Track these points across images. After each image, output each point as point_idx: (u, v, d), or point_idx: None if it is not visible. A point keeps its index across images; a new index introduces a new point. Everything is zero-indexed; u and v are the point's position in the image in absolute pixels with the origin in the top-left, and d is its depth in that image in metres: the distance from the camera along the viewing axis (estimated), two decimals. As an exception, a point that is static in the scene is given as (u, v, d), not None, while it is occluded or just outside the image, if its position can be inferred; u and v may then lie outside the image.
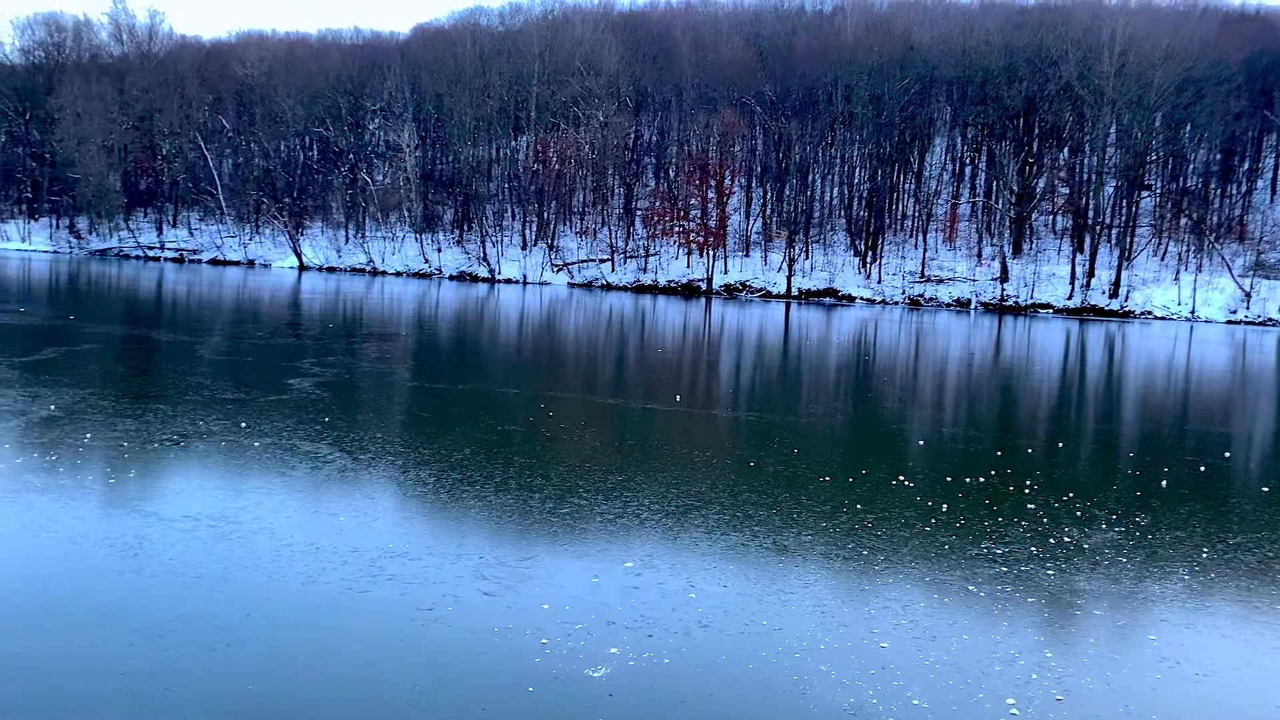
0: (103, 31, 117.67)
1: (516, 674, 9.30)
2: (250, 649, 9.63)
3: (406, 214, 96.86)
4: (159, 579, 11.29)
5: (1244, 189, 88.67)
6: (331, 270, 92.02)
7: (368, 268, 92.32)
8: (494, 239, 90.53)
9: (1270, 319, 70.75)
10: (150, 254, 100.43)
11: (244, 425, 19.65)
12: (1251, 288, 72.90)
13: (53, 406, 20.62)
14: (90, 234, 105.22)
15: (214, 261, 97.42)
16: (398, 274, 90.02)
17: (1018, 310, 74.68)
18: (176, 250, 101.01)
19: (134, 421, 19.60)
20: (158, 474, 15.96)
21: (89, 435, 18.18)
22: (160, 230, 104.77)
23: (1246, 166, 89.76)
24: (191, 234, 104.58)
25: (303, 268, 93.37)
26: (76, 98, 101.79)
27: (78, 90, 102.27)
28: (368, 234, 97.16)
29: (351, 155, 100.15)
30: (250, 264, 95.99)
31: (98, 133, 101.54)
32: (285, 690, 8.91)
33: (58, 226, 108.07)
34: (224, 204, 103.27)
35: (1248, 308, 72.06)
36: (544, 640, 10.02)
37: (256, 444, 18.09)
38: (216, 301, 55.51)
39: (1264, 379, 40.34)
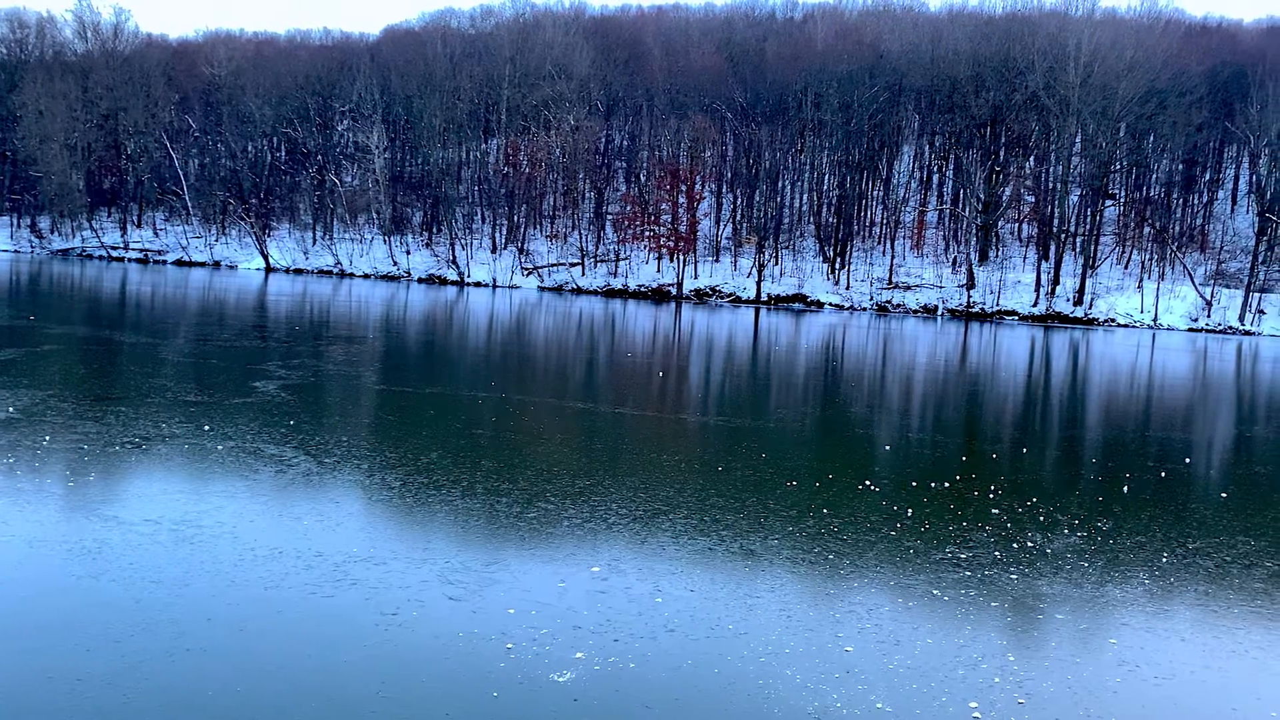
0: (67, 29, 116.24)
1: (481, 679, 9.25)
2: (211, 655, 9.51)
3: (375, 216, 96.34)
4: (118, 583, 11.13)
5: (1205, 199, 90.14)
6: (299, 272, 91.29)
7: (335, 270, 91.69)
8: (463, 242, 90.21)
9: (1230, 327, 71.90)
10: (114, 254, 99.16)
11: (207, 428, 19.43)
12: (1212, 296, 74.09)
13: (11, 409, 20.29)
14: (52, 233, 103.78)
15: (179, 262, 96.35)
16: (366, 276, 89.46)
17: (984, 317, 75.39)
18: (141, 251, 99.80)
19: (94, 424, 19.33)
20: (118, 477, 15.74)
21: (48, 438, 17.90)
22: (124, 230, 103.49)
23: (1208, 177, 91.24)
24: (156, 234, 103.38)
25: (269, 269, 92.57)
26: (39, 95, 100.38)
27: (41, 88, 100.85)
28: (335, 236, 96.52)
29: (320, 156, 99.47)
30: (216, 265, 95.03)
31: (61, 131, 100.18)
32: (247, 696, 8.80)
33: (19, 226, 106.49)
34: (190, 204, 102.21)
35: (1209, 316, 73.19)
36: (509, 645, 9.98)
37: (220, 447, 17.89)
38: (181, 303, 54.89)
39: (1224, 386, 40.97)
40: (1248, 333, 71.23)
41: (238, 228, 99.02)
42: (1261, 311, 72.93)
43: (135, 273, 79.73)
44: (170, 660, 9.33)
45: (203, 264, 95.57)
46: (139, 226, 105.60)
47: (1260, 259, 74.39)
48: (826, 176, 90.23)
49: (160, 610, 10.44)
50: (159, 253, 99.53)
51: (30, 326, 36.88)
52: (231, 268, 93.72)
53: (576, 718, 8.64)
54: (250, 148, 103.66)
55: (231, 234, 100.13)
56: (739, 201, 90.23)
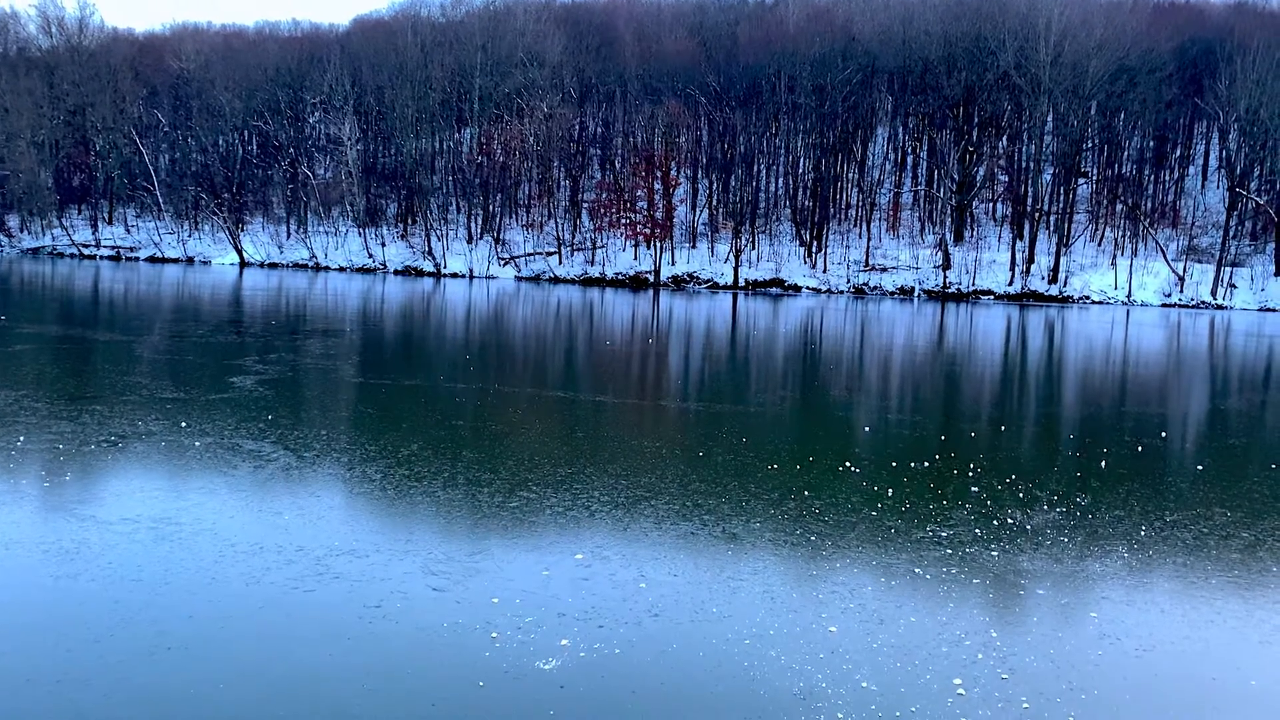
0: (30, 24, 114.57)
1: (467, 669, 9.23)
2: (193, 652, 9.44)
3: (349, 208, 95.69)
4: (97, 583, 11.03)
5: (1176, 175, 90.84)
6: (273, 266, 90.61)
7: (310, 263, 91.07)
8: (439, 233, 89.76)
9: (1203, 301, 72.56)
10: (85, 252, 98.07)
11: (184, 425, 19.27)
12: (1184, 271, 74.72)
13: (-16, 409, 20.04)
14: (22, 232, 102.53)
15: (152, 259, 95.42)
16: (341, 269, 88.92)
17: (960, 297, 75.75)
18: (113, 248, 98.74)
19: (70, 423, 19.13)
20: (95, 476, 15.59)
21: (22, 438, 17.71)
22: (95, 227, 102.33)
23: (1178, 153, 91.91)
24: (128, 231, 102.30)
25: (244, 264, 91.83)
26: (4, 92, 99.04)
27: (5, 84, 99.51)
28: (310, 229, 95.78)
29: (292, 149, 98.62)
30: (190, 261, 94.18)
31: (27, 128, 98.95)
32: (229, 694, 8.75)
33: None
34: (161, 200, 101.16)
35: (1181, 291, 73.84)
36: (494, 634, 9.96)
37: (198, 443, 17.75)
38: (155, 299, 54.37)
39: (1197, 360, 41.36)
40: (1220, 307, 71.91)
41: (210, 223, 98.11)
42: (1233, 285, 73.66)
43: (108, 270, 78.92)
44: (151, 659, 9.25)
45: (176, 260, 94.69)
46: (110, 223, 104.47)
47: (1231, 233, 75.08)
48: (801, 160, 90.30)
49: (140, 609, 10.36)
50: (131, 249, 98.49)
51: (2, 326, 36.43)
52: (205, 263, 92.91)
53: (563, 705, 8.63)
54: (221, 141, 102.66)
55: (204, 229, 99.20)
56: (715, 187, 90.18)
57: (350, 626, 10.10)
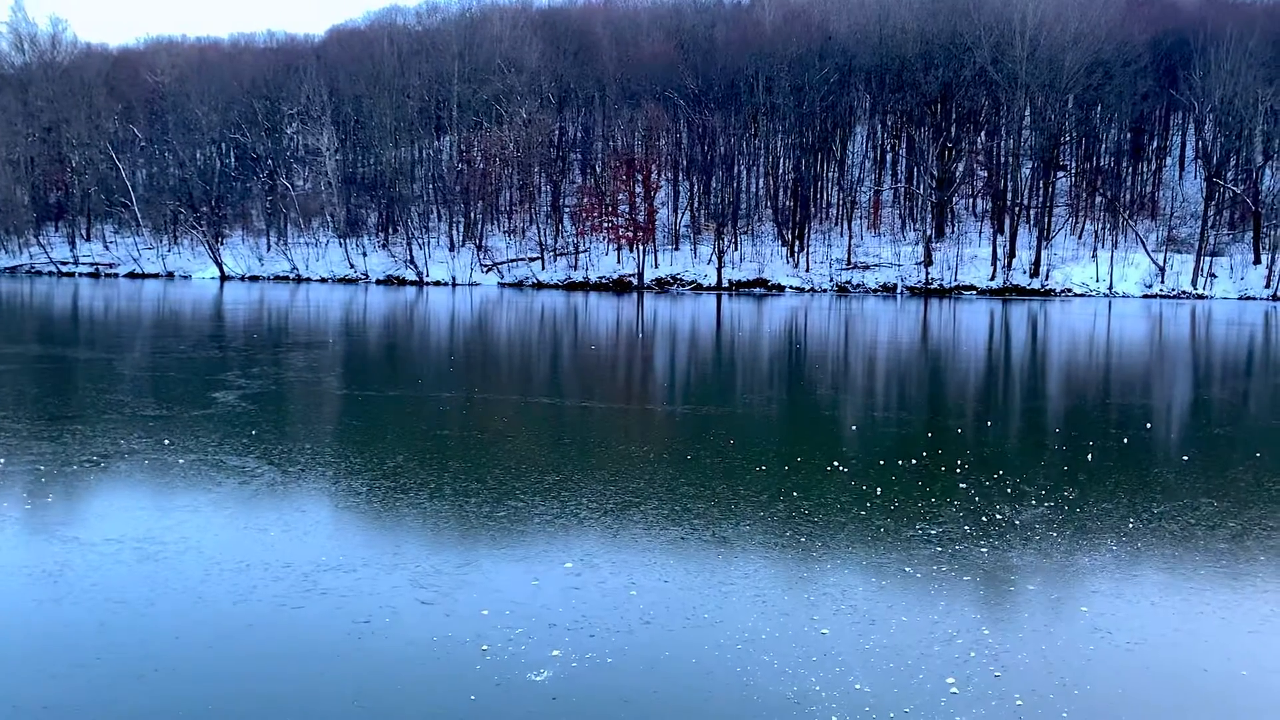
0: (3, 41, 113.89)
1: (457, 683, 9.15)
2: (181, 674, 9.34)
3: (329, 219, 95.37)
4: (82, 606, 10.90)
5: (1154, 167, 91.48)
6: (254, 279, 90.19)
7: (292, 275, 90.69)
8: (420, 241, 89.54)
9: (1184, 291, 73.07)
10: (64, 269, 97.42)
11: (167, 442, 19.11)
12: (1165, 262, 75.22)
13: (-37, 432, 19.83)
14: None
15: (131, 275, 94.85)
16: (323, 280, 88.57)
17: (942, 293, 76.03)
18: (91, 265, 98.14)
19: (50, 443, 18.94)
20: (78, 497, 15.43)
21: (2, 460, 17.53)
22: (73, 245, 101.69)
23: (1155, 145, 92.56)
24: (107, 247, 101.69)
25: (224, 278, 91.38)
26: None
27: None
28: (290, 241, 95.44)
29: (270, 161, 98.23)
30: (170, 276, 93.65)
31: (2, 145, 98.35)
32: (219, 714, 8.65)
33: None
34: (139, 215, 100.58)
35: (1162, 281, 74.34)
36: (484, 647, 9.89)
37: (181, 461, 17.60)
38: (135, 316, 54.02)
39: (1179, 350, 41.61)
40: (1201, 296, 72.44)
41: (190, 237, 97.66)
42: (1213, 275, 74.21)
43: (87, 287, 78.38)
44: (139, 682, 9.14)
45: (156, 275, 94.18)
46: (88, 240, 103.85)
47: (1209, 223, 75.65)
48: (781, 160, 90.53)
49: (126, 631, 10.24)
50: (110, 266, 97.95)
51: (-20, 347, 36.10)
52: (185, 278, 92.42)
53: (556, 716, 8.57)
54: (198, 155, 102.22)
55: (184, 244, 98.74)
56: (696, 189, 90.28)
57: (339, 642, 10.01)
